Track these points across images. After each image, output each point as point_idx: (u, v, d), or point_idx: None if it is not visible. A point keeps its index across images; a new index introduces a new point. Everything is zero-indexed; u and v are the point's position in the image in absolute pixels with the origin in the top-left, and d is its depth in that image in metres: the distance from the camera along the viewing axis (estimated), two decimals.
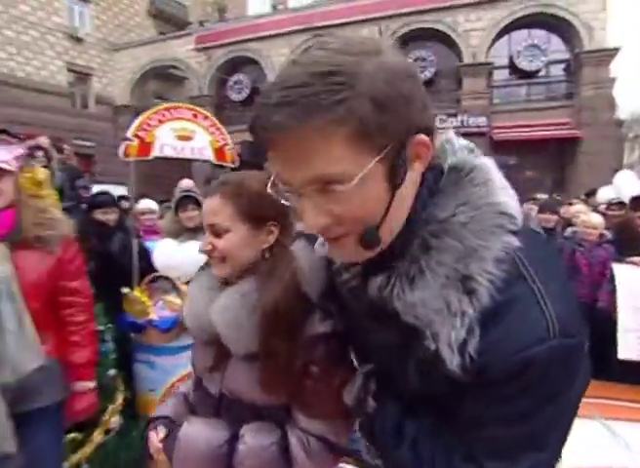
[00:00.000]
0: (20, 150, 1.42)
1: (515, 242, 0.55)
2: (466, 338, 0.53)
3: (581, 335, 0.55)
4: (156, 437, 0.93)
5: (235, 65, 16.23)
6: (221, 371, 0.89)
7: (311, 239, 0.84)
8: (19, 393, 1.31)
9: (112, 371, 2.00)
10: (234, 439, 0.85)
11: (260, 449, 0.82)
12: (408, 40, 13.54)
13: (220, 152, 2.51)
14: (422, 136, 0.53)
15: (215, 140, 2.51)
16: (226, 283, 0.92)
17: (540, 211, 3.87)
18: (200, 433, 0.86)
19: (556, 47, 12.93)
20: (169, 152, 2.29)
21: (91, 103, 17.80)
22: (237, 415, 0.88)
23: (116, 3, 18.48)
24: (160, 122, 2.31)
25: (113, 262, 2.32)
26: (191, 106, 2.52)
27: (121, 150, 2.22)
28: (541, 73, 13.10)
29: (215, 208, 0.87)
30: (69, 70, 16.99)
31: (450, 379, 0.56)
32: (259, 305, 0.82)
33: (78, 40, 17.12)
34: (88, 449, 1.91)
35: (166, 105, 2.46)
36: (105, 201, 2.45)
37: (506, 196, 0.58)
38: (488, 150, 13.02)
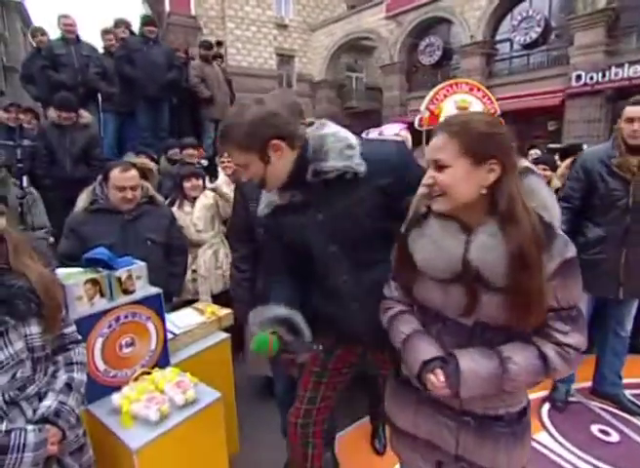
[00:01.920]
0: (403, 124, 2.09)
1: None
2: (360, 163, 1.15)
3: None
4: (436, 379, 1.01)
5: (426, 28, 15.94)
6: (476, 303, 0.97)
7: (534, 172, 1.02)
8: None
9: None
10: (502, 361, 0.97)
11: (527, 366, 0.97)
12: None
13: None
14: (276, 141, 1.13)
15: (487, 109, 2.91)
16: (463, 225, 0.99)
17: None
18: (478, 363, 0.98)
19: None
20: None
21: (293, 82, 20.25)
22: (489, 339, 1.01)
23: None
24: (445, 96, 2.83)
25: None
26: (468, 80, 2.96)
27: (417, 121, 2.84)
28: None
29: (440, 144, 0.96)
30: (277, 55, 19.63)
31: (381, 199, 1.18)
32: (507, 248, 0.91)
33: (284, 27, 19.52)
34: None
35: (449, 82, 2.97)
36: None
37: (346, 134, 1.21)
38: None
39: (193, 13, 17.11)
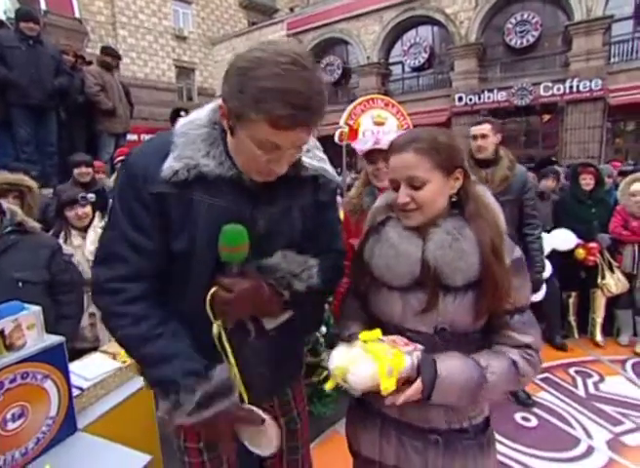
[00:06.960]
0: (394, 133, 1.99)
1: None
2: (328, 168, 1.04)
3: None
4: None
5: (326, 48, 16.67)
6: (435, 308, 0.95)
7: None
8: None
9: None
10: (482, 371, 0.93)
11: (503, 374, 0.95)
12: (512, 0, 12.82)
13: None
14: None
15: (400, 124, 3.03)
16: (419, 228, 0.99)
17: None
18: (458, 368, 0.93)
19: None
20: (368, 135, 2.84)
21: (194, 95, 19.56)
22: (452, 346, 0.97)
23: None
24: (362, 111, 2.88)
25: None
26: (383, 97, 3.05)
27: (337, 136, 2.83)
28: None
29: (413, 162, 0.95)
30: (176, 67, 18.81)
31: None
32: (478, 241, 0.94)
33: (183, 39, 18.83)
34: None
35: (366, 97, 3.02)
36: None
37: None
38: (602, 116, 11.96)
39: (77, 15, 15.54)
